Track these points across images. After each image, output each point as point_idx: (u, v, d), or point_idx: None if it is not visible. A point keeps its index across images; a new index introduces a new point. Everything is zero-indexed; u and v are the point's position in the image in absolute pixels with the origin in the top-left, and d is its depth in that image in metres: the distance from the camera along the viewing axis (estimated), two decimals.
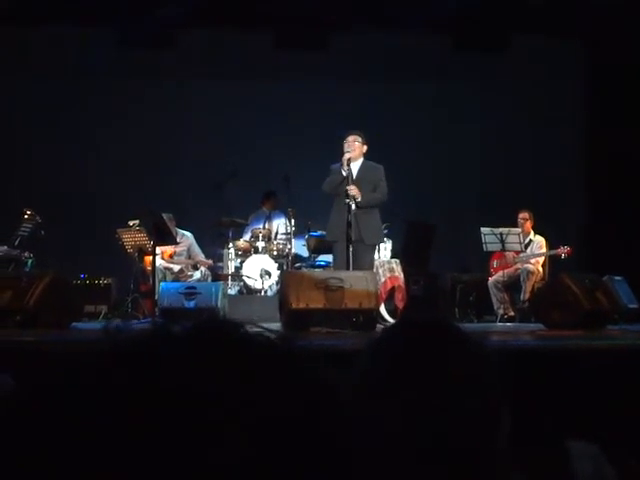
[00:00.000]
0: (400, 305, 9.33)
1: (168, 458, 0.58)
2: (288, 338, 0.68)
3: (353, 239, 7.85)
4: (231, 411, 0.60)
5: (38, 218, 9.72)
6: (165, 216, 9.09)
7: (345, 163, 8.06)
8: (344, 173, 8.05)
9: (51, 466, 0.58)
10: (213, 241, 10.90)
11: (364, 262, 8.01)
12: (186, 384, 0.60)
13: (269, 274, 10.21)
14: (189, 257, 10.35)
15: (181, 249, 10.22)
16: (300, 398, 0.62)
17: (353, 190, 7.96)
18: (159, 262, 9.51)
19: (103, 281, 10.71)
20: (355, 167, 8.17)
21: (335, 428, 0.62)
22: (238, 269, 10.54)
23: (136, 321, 9.06)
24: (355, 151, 8.19)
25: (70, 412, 0.60)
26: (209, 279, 10.27)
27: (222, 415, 0.59)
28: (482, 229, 10.25)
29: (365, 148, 8.32)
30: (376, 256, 9.55)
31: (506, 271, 10.38)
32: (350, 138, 8.25)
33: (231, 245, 10.66)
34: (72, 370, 0.64)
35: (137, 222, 9.22)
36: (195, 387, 0.60)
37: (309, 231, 10.46)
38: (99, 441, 0.58)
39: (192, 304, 8.95)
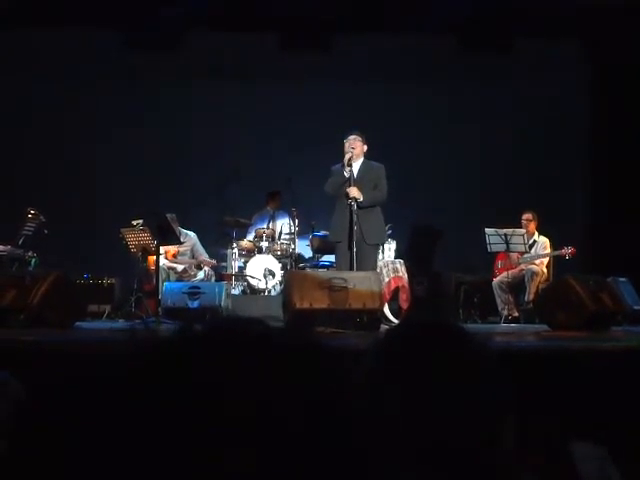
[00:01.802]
0: (404, 306, 9.32)
1: (198, 453, 0.59)
2: (309, 335, 0.68)
3: (355, 239, 7.84)
4: (257, 407, 0.60)
5: (42, 217, 9.72)
6: (169, 216, 9.10)
7: (346, 163, 8.06)
8: (346, 174, 8.04)
9: (86, 459, 0.59)
10: (217, 241, 10.90)
11: (367, 262, 7.99)
12: (213, 382, 0.61)
13: (273, 274, 10.20)
14: (193, 257, 10.36)
15: (185, 249, 10.23)
16: (323, 394, 0.62)
17: (354, 191, 7.95)
18: (163, 262, 9.52)
19: (107, 281, 10.71)
20: (356, 167, 8.17)
21: (352, 424, 0.63)
22: (242, 269, 10.54)
23: (139, 321, 9.08)
24: (356, 150, 8.19)
25: (99, 411, 0.60)
26: (213, 279, 10.28)
27: (247, 412, 0.60)
28: (486, 230, 10.23)
29: (365, 148, 8.32)
30: (380, 256, 9.55)
31: (510, 272, 10.36)
32: (351, 137, 8.26)
33: (235, 245, 10.65)
34: (99, 370, 0.64)
35: (141, 222, 9.21)
36: (222, 384, 0.61)
37: (313, 231, 10.46)
38: (130, 438, 0.59)
39: (196, 304, 8.97)
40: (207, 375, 0.61)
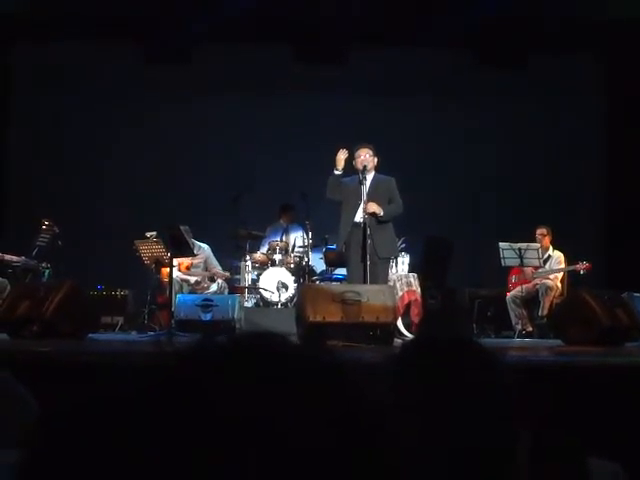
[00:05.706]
0: (415, 320, 9.28)
1: (216, 466, 0.58)
2: (332, 351, 0.68)
3: (368, 253, 7.84)
4: (279, 422, 0.60)
5: (56, 228, 9.77)
6: (182, 228, 9.11)
7: (361, 170, 8.06)
8: (365, 184, 8.01)
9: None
10: (230, 253, 10.90)
11: (378, 276, 7.98)
12: (236, 398, 0.61)
13: (286, 287, 10.19)
14: (206, 269, 10.36)
15: (198, 261, 10.24)
16: (345, 409, 0.62)
17: (373, 207, 7.94)
18: (176, 274, 9.52)
19: (120, 292, 10.73)
20: (368, 181, 8.16)
21: (375, 439, 0.62)
22: (255, 281, 10.54)
23: (152, 333, 9.10)
24: (369, 164, 8.19)
25: (119, 425, 0.61)
26: (226, 291, 10.28)
27: (269, 426, 0.60)
28: (500, 244, 10.20)
29: (376, 160, 8.30)
30: (394, 270, 9.53)
31: (524, 286, 10.33)
32: (362, 152, 8.24)
33: (248, 257, 10.65)
34: (120, 383, 0.65)
35: (154, 234, 9.24)
36: (247, 401, 0.61)
37: (326, 244, 10.45)
38: (148, 451, 0.59)
39: (208, 316, 8.97)
40: (228, 389, 0.61)
